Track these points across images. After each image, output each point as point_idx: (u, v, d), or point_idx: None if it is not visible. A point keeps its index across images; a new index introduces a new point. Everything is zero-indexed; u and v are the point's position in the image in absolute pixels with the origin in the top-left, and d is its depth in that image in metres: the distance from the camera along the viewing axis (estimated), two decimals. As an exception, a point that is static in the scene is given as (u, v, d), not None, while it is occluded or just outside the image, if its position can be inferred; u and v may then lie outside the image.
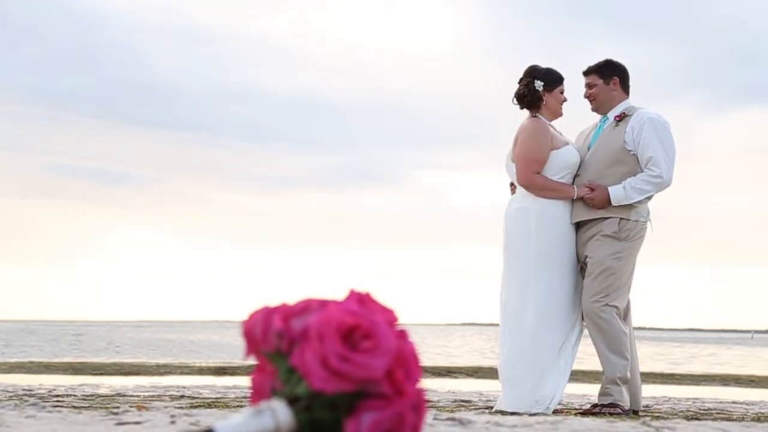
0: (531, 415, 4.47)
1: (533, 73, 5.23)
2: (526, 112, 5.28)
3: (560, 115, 5.30)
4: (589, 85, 5.31)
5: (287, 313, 1.65)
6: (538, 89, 5.19)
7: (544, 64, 5.33)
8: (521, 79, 5.27)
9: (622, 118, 5.19)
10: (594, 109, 5.34)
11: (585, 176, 5.15)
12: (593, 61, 5.37)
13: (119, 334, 37.84)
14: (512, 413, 4.63)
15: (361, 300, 1.63)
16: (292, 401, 1.63)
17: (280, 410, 1.62)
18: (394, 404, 1.59)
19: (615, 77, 5.28)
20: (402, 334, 1.62)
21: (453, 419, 3.14)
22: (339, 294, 1.69)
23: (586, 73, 5.34)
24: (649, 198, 5.11)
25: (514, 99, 5.27)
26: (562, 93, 5.27)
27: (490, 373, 12.25)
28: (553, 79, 5.24)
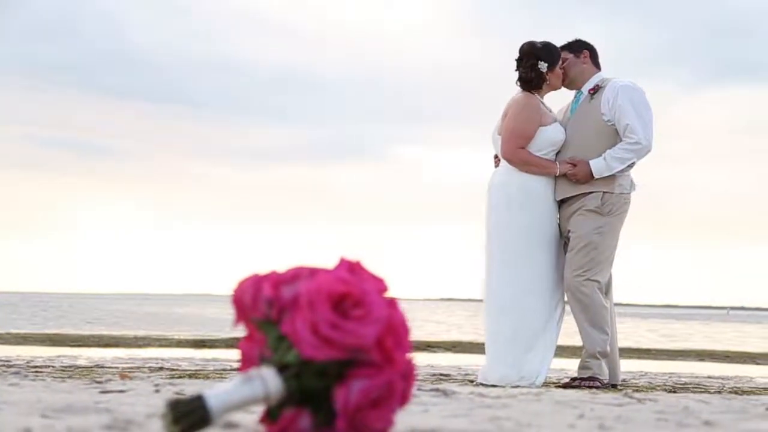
0: (514, 387, 4.51)
1: (535, 53, 5.11)
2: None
3: (559, 87, 5.26)
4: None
5: (277, 280, 1.65)
6: (542, 71, 5.11)
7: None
8: (523, 61, 5.13)
9: (596, 90, 5.17)
10: (566, 85, 5.31)
11: (567, 153, 5.12)
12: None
13: (98, 307, 37.69)
14: (493, 386, 4.67)
15: (351, 268, 1.64)
16: (282, 369, 1.64)
17: (269, 377, 1.63)
18: (383, 372, 1.61)
19: (585, 50, 5.27)
20: (392, 303, 1.63)
21: (437, 390, 3.16)
22: (328, 263, 1.69)
23: None
24: (631, 166, 5.11)
25: (519, 83, 5.17)
26: (561, 67, 5.21)
27: (469, 347, 12.32)
28: (555, 58, 5.15)
